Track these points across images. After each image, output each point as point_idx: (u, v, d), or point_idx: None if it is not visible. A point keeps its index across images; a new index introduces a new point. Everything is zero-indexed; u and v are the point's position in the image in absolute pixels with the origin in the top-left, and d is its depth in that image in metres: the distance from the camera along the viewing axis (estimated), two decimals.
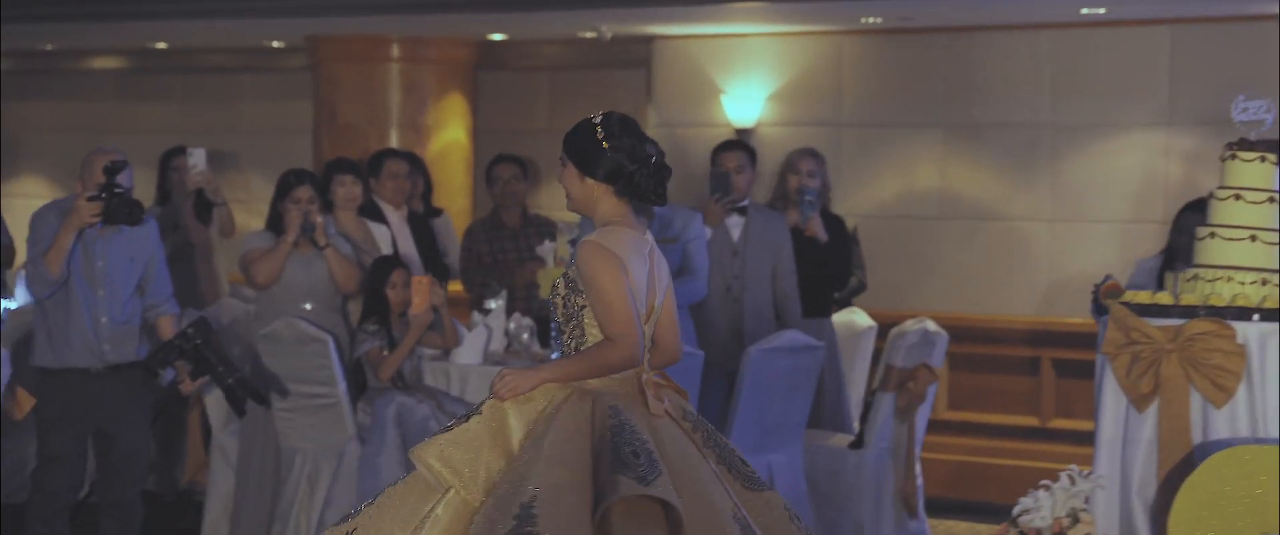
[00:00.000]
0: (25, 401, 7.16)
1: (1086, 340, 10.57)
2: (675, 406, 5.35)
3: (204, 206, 10.31)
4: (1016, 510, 6.02)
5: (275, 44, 13.65)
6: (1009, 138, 11.00)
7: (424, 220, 10.25)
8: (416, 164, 10.32)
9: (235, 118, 14.34)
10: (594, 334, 5.21)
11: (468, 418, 5.18)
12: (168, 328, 7.84)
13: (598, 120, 5.28)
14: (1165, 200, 10.53)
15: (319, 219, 8.85)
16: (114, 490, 7.75)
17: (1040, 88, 10.90)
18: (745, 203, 8.95)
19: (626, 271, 5.20)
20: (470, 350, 9.07)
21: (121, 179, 7.62)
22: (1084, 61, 10.81)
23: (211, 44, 14.19)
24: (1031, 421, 10.89)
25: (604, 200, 5.28)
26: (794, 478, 8.70)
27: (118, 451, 7.72)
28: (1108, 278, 8.49)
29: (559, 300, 5.28)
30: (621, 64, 12.84)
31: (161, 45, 14.10)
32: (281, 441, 8.65)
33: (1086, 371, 10.59)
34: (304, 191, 8.82)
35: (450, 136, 12.61)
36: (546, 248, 9.74)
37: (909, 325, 9.61)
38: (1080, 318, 10.66)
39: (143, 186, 11.96)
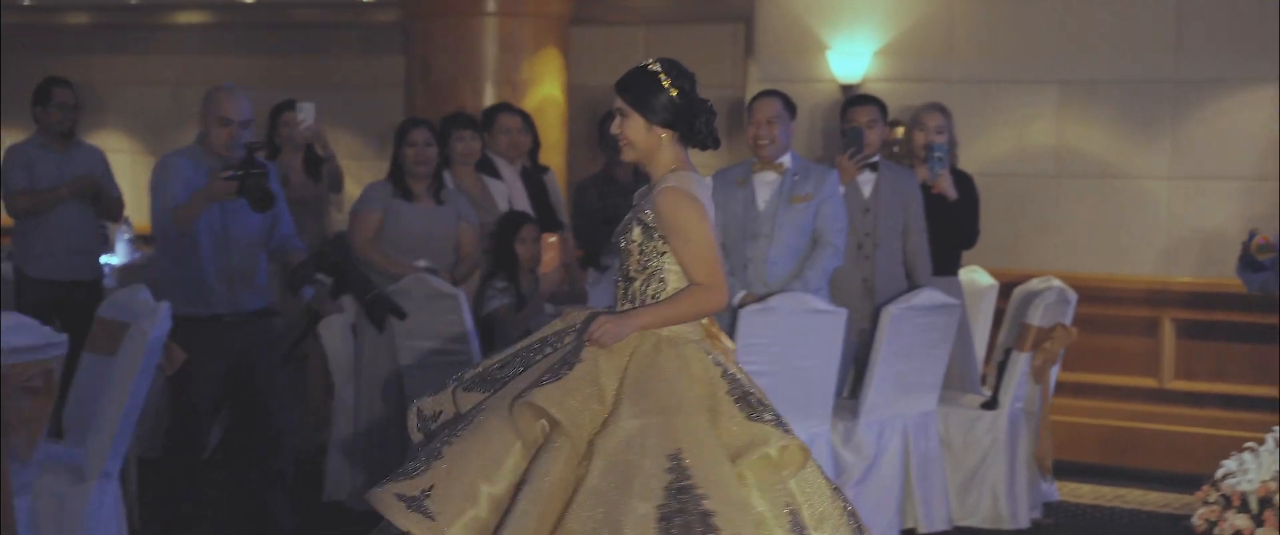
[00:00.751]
0: (176, 355, 7.03)
1: (1208, 300, 10.40)
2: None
3: (313, 161, 10.16)
4: (1219, 473, 5.82)
5: None
6: (1128, 94, 10.78)
7: (536, 176, 10.10)
8: (527, 121, 10.15)
9: (322, 73, 14.18)
10: (675, 282, 5.20)
11: (572, 366, 5.08)
12: (298, 260, 7.75)
13: (657, 67, 5.22)
14: None
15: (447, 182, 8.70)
16: (262, 439, 7.61)
17: (1162, 42, 10.67)
18: (876, 158, 8.77)
19: (707, 216, 5.21)
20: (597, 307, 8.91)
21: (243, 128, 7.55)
22: (1208, 14, 10.58)
23: None
24: (1150, 383, 10.69)
25: (667, 148, 5.25)
26: (928, 438, 8.54)
27: (258, 402, 7.60)
28: (1254, 233, 8.30)
29: (634, 248, 5.20)
30: (718, 18, 12.66)
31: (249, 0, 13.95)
32: (409, 398, 8.49)
33: (1207, 333, 10.45)
34: (420, 134, 8.67)
35: (545, 92, 12.42)
36: None
37: (1036, 284, 9.46)
38: (1202, 277, 10.47)
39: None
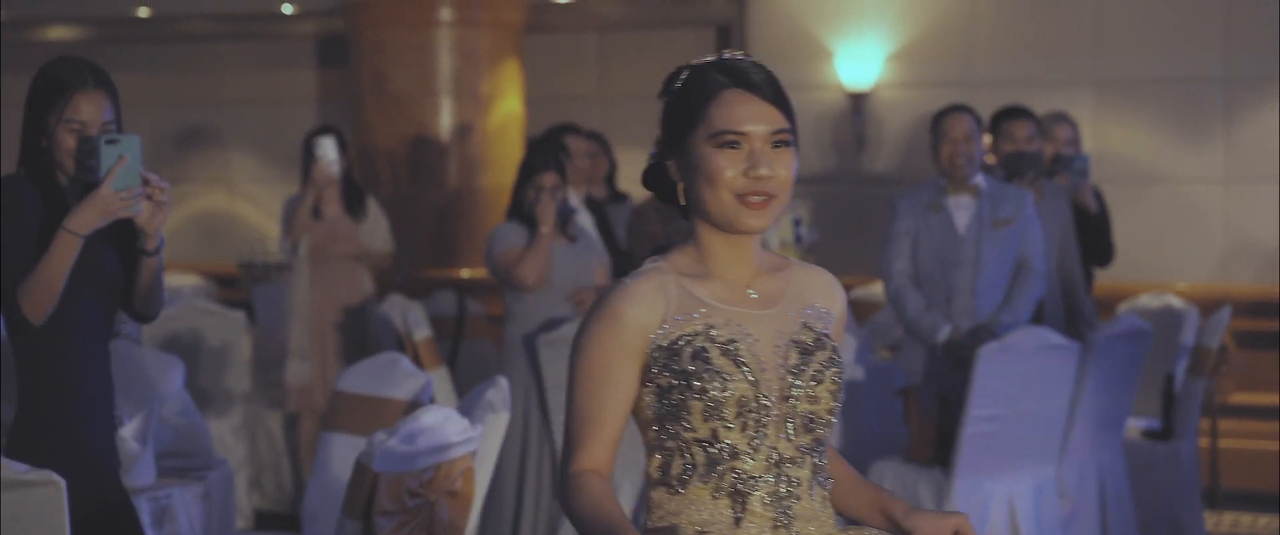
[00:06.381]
0: None
1: (1269, 308, 10.02)
2: None
3: (353, 194, 9.05)
4: None
5: (286, 9, 12.29)
6: (1173, 94, 10.33)
7: (601, 206, 9.20)
8: (602, 144, 9.23)
9: (219, 90, 12.94)
10: None
11: None
12: None
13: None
14: None
15: (574, 204, 7.82)
16: None
17: (1209, 38, 10.25)
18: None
19: None
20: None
21: None
22: (1260, 7, 10.18)
23: (195, 10, 12.75)
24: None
25: None
26: (1119, 479, 7.92)
27: None
28: None
29: (841, 390, 3.17)
30: (686, 23, 11.87)
31: (143, 13, 12.62)
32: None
33: (1270, 342, 10.05)
34: (550, 179, 7.75)
35: (508, 107, 11.50)
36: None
37: (1146, 301, 8.98)
38: (1263, 284, 10.10)
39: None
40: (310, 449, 8.95)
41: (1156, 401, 8.43)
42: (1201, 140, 10.28)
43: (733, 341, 3.06)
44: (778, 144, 3.09)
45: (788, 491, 3.07)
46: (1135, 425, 8.41)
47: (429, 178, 11.32)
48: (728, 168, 3.07)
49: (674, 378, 3.04)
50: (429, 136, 11.29)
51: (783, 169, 3.08)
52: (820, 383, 3.09)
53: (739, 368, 3.04)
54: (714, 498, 3.05)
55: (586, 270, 7.83)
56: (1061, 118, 8.67)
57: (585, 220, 8.75)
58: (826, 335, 3.15)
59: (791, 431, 3.08)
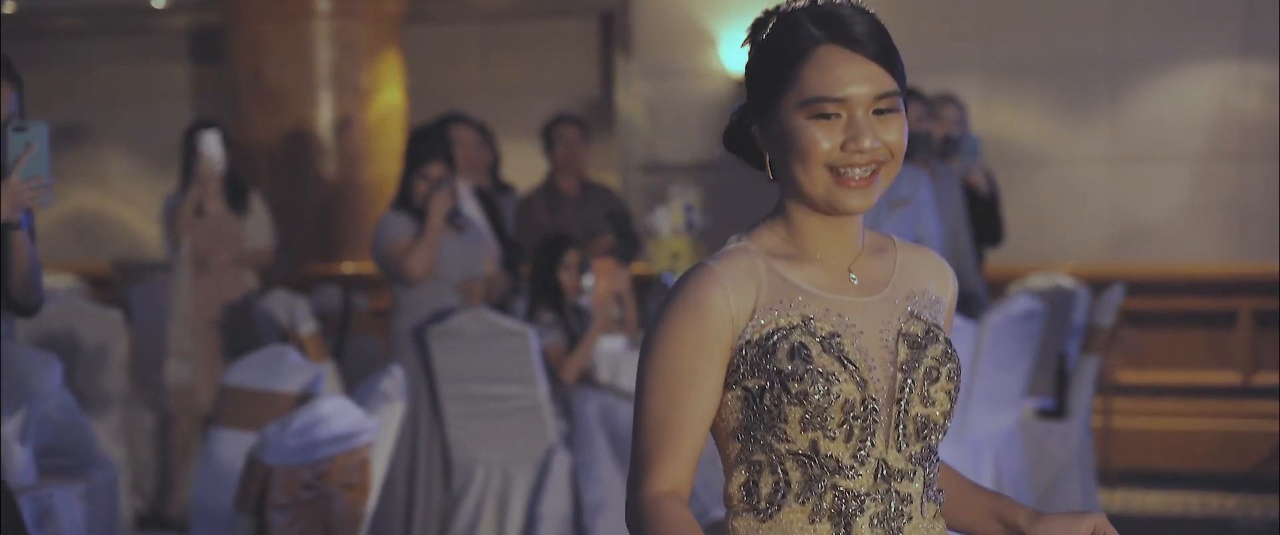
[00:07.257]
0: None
1: (1162, 287, 10.02)
2: None
3: (236, 190, 8.85)
4: None
5: (157, 2, 12.03)
6: (1060, 76, 10.32)
7: (489, 195, 9.06)
8: (486, 135, 9.09)
9: (83, 85, 12.65)
10: None
11: None
12: None
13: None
14: (1242, 134, 10.02)
15: (456, 198, 7.69)
16: None
17: (1095, 20, 10.24)
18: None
19: None
20: (612, 336, 7.98)
21: None
22: None
23: (63, 5, 12.47)
24: None
25: None
26: (1016, 455, 7.89)
27: None
28: None
29: (959, 389, 2.73)
30: (567, 12, 11.73)
31: (8, 8, 12.32)
32: (454, 452, 7.42)
33: (1157, 320, 10.07)
34: (437, 169, 7.61)
35: (389, 99, 11.30)
36: (660, 215, 8.67)
37: (1037, 281, 8.96)
38: (1153, 261, 10.11)
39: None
40: (186, 451, 8.75)
41: (1050, 381, 8.39)
42: (1088, 121, 10.27)
43: (835, 335, 2.60)
44: (882, 111, 2.62)
45: (897, 510, 2.63)
46: (1029, 405, 8.36)
47: (309, 172, 11.12)
48: (823, 140, 2.61)
49: (767, 379, 2.58)
50: (308, 130, 11.09)
51: (891, 135, 2.61)
52: (935, 381, 2.64)
53: (844, 366, 2.59)
54: (812, 522, 2.61)
55: (475, 261, 7.69)
56: (948, 99, 8.64)
57: (473, 210, 8.61)
58: (937, 326, 2.69)
59: (902, 440, 2.63)
